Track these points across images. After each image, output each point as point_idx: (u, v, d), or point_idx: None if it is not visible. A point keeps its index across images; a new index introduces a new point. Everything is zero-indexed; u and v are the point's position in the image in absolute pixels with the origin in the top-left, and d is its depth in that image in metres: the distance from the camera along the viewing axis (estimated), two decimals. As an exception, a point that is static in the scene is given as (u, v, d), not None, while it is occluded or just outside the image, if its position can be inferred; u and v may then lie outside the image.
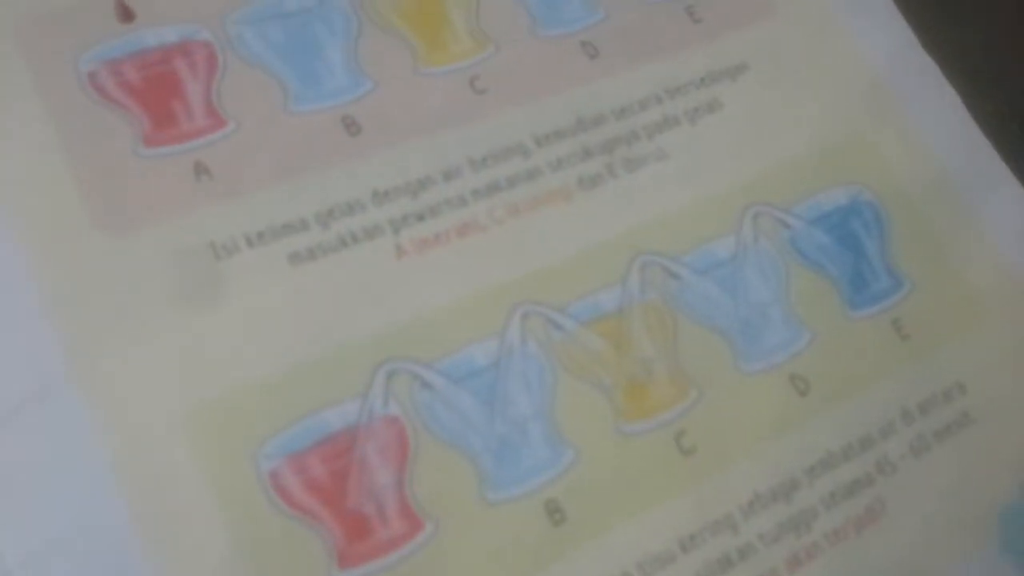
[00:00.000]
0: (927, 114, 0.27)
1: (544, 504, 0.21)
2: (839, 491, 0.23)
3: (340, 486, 0.20)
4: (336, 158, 0.23)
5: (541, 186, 0.24)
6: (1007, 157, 0.28)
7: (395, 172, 0.23)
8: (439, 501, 0.21)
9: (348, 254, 0.22)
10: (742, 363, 0.24)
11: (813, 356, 0.24)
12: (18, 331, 0.20)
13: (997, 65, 0.29)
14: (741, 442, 0.23)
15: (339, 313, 0.22)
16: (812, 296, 0.25)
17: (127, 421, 0.19)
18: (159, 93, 0.22)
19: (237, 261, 0.21)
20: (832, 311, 0.25)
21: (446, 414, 0.21)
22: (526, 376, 0.22)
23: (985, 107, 0.28)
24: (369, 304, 0.22)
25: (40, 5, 0.23)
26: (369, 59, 0.24)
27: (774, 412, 0.23)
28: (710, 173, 0.26)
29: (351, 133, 0.23)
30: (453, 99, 0.25)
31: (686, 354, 0.23)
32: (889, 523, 0.23)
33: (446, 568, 0.20)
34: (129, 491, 0.19)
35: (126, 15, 0.23)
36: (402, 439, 0.21)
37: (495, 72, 0.25)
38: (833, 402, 0.24)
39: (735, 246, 0.25)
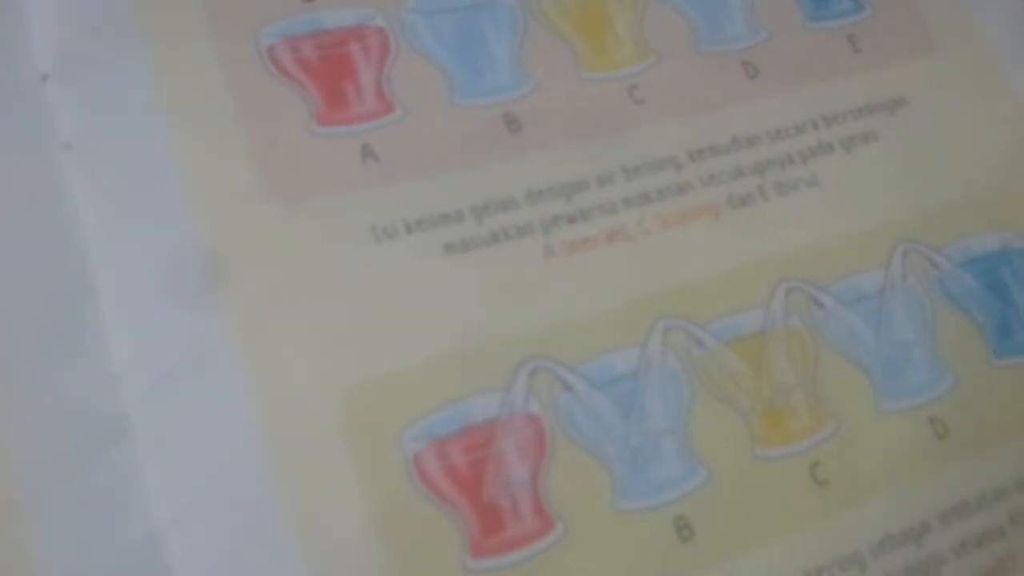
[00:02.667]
0: None
1: (673, 519, 0.21)
2: (970, 540, 0.23)
3: (478, 477, 0.20)
4: (495, 154, 0.23)
5: (691, 200, 0.24)
6: None
7: (550, 173, 0.23)
8: (571, 503, 0.21)
9: (500, 249, 0.22)
10: (882, 400, 0.23)
11: (954, 401, 0.24)
12: (190, 294, 0.20)
13: None
14: (875, 480, 0.23)
15: (487, 307, 0.22)
16: (957, 340, 0.24)
17: (283, 391, 0.20)
18: (334, 73, 0.23)
19: (396, 245, 0.22)
20: (977, 357, 0.24)
21: (584, 417, 0.21)
22: (664, 389, 0.22)
23: None
24: (516, 301, 0.22)
25: None
26: (533, 59, 0.25)
27: (911, 453, 0.23)
28: (862, 204, 0.25)
29: (511, 130, 0.24)
30: (612, 106, 0.25)
31: (826, 385, 0.23)
32: None
33: (573, 570, 0.20)
34: (277, 458, 0.19)
35: (307, -6, 0.24)
36: (540, 437, 0.21)
37: (655, 83, 0.25)
38: (971, 449, 0.23)
39: (883, 281, 0.24)
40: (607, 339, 0.22)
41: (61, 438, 0.19)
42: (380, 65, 0.23)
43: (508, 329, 0.22)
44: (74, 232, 0.20)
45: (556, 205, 0.23)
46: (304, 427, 0.20)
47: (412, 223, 0.22)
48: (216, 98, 0.22)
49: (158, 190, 0.21)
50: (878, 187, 0.25)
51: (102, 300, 0.20)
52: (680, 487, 0.21)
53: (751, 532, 0.21)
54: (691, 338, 0.23)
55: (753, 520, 0.22)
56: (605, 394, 0.22)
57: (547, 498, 0.21)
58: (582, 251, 0.23)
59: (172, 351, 0.20)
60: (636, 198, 0.24)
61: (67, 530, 0.18)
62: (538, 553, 0.20)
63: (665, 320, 0.23)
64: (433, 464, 0.20)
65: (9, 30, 0.21)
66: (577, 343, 0.22)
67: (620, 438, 0.21)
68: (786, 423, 0.22)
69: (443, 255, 0.22)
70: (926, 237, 0.25)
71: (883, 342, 0.24)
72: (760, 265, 0.24)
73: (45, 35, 0.22)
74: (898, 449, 0.23)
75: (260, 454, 0.19)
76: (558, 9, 0.25)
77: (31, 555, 0.18)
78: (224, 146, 0.21)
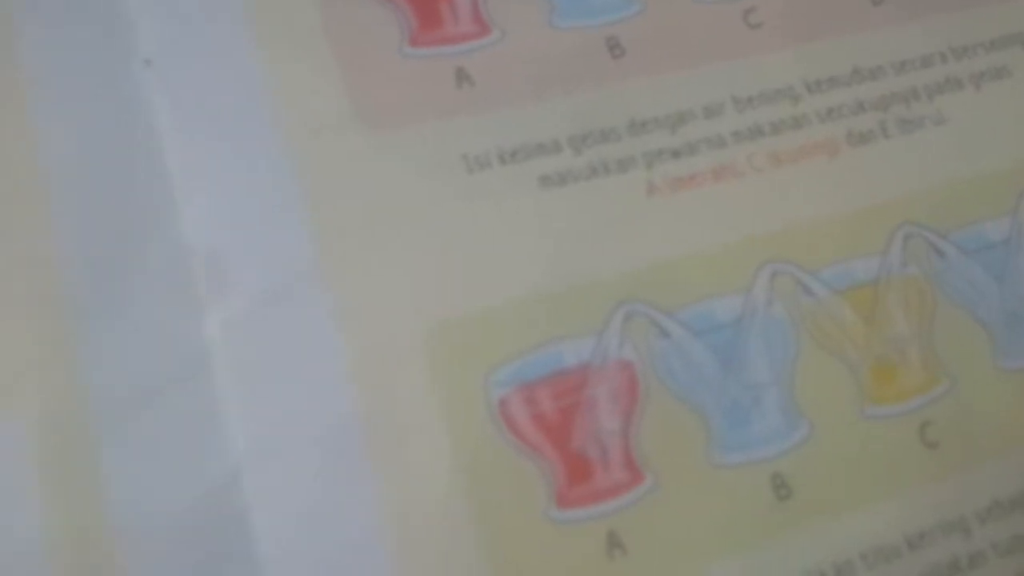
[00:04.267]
0: None
1: (771, 476, 0.20)
2: None
3: (567, 424, 0.19)
4: (596, 80, 0.22)
5: (807, 136, 0.23)
6: None
7: (655, 102, 0.22)
8: (663, 455, 0.20)
9: (599, 183, 0.21)
10: (1002, 358, 0.22)
11: (1082, 361, 0.22)
12: (276, 221, 0.19)
13: None
14: (989, 443, 0.21)
15: (583, 244, 0.21)
16: (1091, 296, 0.22)
17: (370, 325, 0.19)
18: (428, -10, 0.22)
19: (488, 176, 0.21)
20: (1109, 314, 0.22)
21: (681, 366, 0.20)
22: (768, 339, 0.21)
23: None
24: (614, 239, 0.21)
25: None
26: (641, -20, 0.23)
27: (1031, 416, 0.21)
28: (990, 147, 0.23)
29: (614, 56, 0.22)
30: (724, 31, 0.23)
31: (942, 339, 0.22)
32: None
33: (662, 523, 0.19)
34: (363, 395, 0.19)
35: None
36: (633, 385, 0.20)
37: (772, 7, 0.23)
38: (1099, 416, 0.22)
39: (1009, 230, 0.23)
40: (710, 284, 0.21)
41: (139, 367, 0.18)
42: (477, -15, 0.22)
43: (605, 269, 0.21)
44: (156, 145, 0.20)
45: (660, 137, 0.22)
46: (391, 365, 0.19)
47: (506, 153, 0.21)
48: (305, 16, 0.21)
49: (244, 111, 0.20)
50: (1009, 128, 0.24)
51: (186, 226, 0.19)
52: (780, 443, 0.20)
53: (852, 494, 0.20)
54: (800, 285, 0.21)
55: (854, 481, 0.20)
56: (704, 341, 0.21)
57: (639, 449, 0.20)
58: (687, 188, 0.22)
59: (257, 279, 0.19)
60: (747, 132, 0.22)
61: (141, 464, 0.18)
62: (626, 506, 0.19)
63: (773, 265, 0.21)
64: (519, 409, 0.19)
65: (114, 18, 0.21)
66: (677, 287, 0.21)
67: (719, 389, 0.20)
68: (897, 379, 0.21)
69: (538, 188, 0.21)
70: (1063, 183, 0.23)
71: (1007, 296, 0.22)
72: (878, 209, 0.22)
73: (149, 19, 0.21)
74: (1015, 411, 0.21)
75: (344, 391, 0.19)
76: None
77: (104, 489, 0.17)
78: (312, 65, 0.21)
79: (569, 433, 0.20)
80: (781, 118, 0.23)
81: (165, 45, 0.20)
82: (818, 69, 0.23)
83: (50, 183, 0.19)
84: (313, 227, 0.20)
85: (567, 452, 0.19)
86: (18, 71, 0.20)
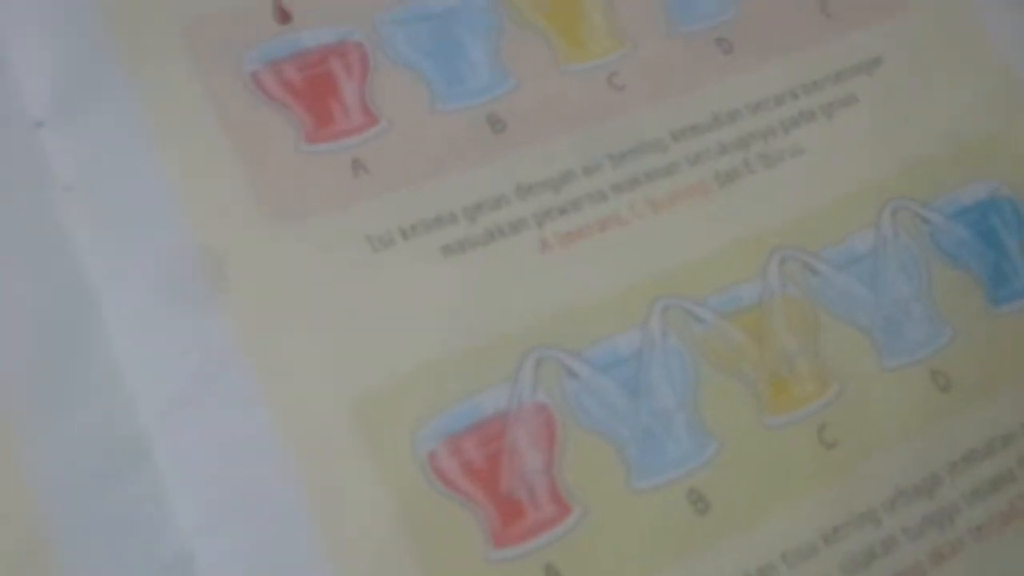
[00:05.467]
0: None
1: (687, 493, 0.22)
2: (982, 487, 0.23)
3: (494, 470, 0.21)
4: (482, 154, 0.24)
5: (679, 181, 0.25)
6: None
7: (538, 167, 0.24)
8: (586, 487, 0.21)
9: (495, 247, 0.23)
10: (884, 359, 0.24)
11: (955, 352, 0.24)
12: (196, 313, 0.21)
13: None
14: (883, 437, 0.23)
15: (488, 303, 0.22)
16: (954, 292, 0.25)
17: (295, 399, 0.20)
18: (318, 92, 0.23)
19: (393, 252, 0.22)
20: (974, 307, 0.25)
21: (592, 402, 0.22)
22: (668, 368, 0.23)
23: None
24: (516, 295, 0.23)
25: (207, 5, 0.23)
26: (511, 57, 0.25)
27: (916, 408, 0.23)
28: (847, 167, 0.26)
29: (495, 130, 0.24)
30: (593, 96, 0.25)
31: (828, 349, 0.24)
32: None
33: (593, 551, 0.21)
34: (296, 466, 0.20)
35: (283, 17, 0.24)
36: (551, 425, 0.22)
37: (633, 69, 0.26)
38: (975, 398, 0.24)
39: (874, 241, 0.25)
40: (608, 323, 0.23)
41: (83, 464, 0.19)
42: (362, 79, 0.24)
43: (510, 322, 0.22)
44: (77, 263, 0.21)
45: (547, 198, 0.24)
46: (320, 433, 0.20)
47: (407, 229, 0.23)
48: (205, 126, 0.22)
49: (156, 217, 0.22)
50: (863, 149, 0.26)
51: (109, 325, 0.20)
52: (692, 461, 0.22)
53: (765, 500, 0.22)
54: (690, 315, 0.23)
55: (766, 487, 0.22)
56: (610, 376, 0.22)
57: (563, 484, 0.21)
58: (577, 241, 0.23)
59: (183, 368, 0.20)
60: (625, 183, 0.24)
61: (95, 554, 0.19)
62: (558, 538, 0.21)
63: (664, 299, 0.23)
64: (448, 462, 0.21)
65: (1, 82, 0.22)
66: (579, 330, 0.22)
67: (629, 419, 0.22)
68: (791, 390, 0.23)
69: (441, 257, 0.22)
70: (914, 192, 0.26)
71: (881, 301, 0.24)
72: (752, 238, 0.24)
73: (35, 83, 0.22)
74: (902, 405, 0.23)
75: (279, 462, 0.20)
76: (531, 3, 0.26)
77: None
78: (217, 170, 0.22)
79: (497, 477, 0.21)
80: (654, 167, 0.25)
81: (82, 171, 0.22)
82: (681, 119, 0.25)
83: None
84: (231, 314, 0.21)
85: (497, 495, 0.21)
86: None
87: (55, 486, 0.19)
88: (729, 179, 0.25)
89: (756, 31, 0.27)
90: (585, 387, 0.22)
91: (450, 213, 0.23)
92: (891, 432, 0.23)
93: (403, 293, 0.22)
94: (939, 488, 0.23)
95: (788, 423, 0.23)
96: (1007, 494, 0.23)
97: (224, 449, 0.20)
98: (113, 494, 0.19)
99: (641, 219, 0.24)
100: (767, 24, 0.27)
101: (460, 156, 0.24)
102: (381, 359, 0.21)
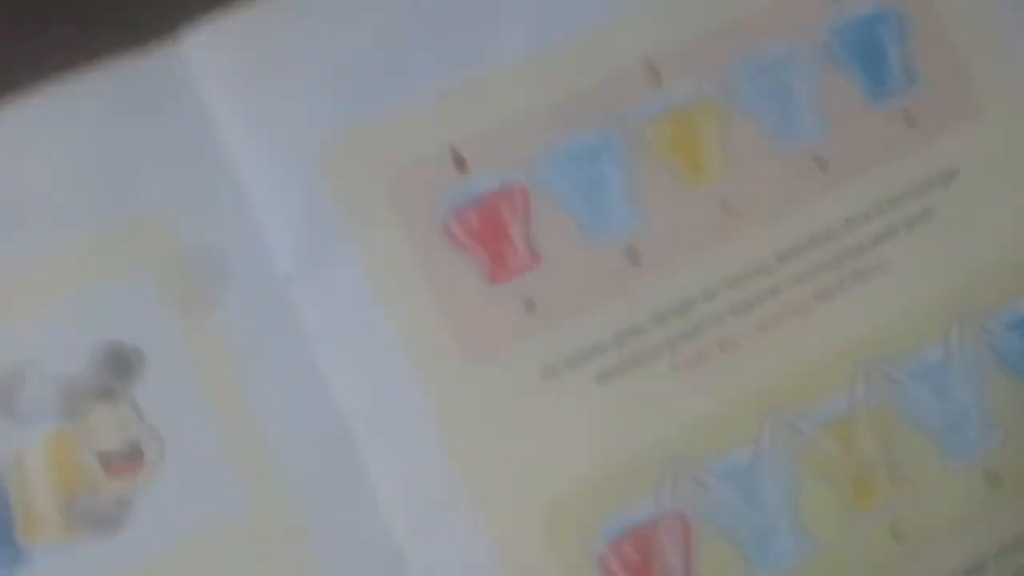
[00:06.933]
0: None
1: None
2: (1021, 571, 0.29)
3: (648, 568, 0.26)
4: (623, 286, 0.28)
5: (782, 301, 0.29)
6: None
7: (669, 295, 0.28)
8: (715, 581, 0.27)
9: (637, 372, 0.28)
10: (945, 460, 0.29)
11: (1005, 453, 0.29)
12: (422, 445, 0.26)
13: None
14: (943, 529, 0.28)
15: (633, 424, 0.27)
16: (1007, 396, 0.30)
17: (501, 514, 0.26)
18: (494, 236, 0.27)
19: (559, 381, 0.27)
20: (1022, 411, 0.30)
21: (717, 508, 0.27)
22: (776, 475, 0.28)
23: None
24: (655, 415, 0.28)
25: (404, 158, 0.27)
26: (644, 189, 0.29)
27: (970, 503, 0.29)
28: (924, 282, 0.30)
29: (633, 262, 0.28)
30: (710, 223, 0.29)
31: (900, 451, 0.29)
32: None
33: None
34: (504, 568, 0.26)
35: (461, 164, 0.28)
36: (687, 528, 0.27)
37: (742, 193, 0.29)
38: (1021, 493, 0.29)
39: (944, 352, 0.29)
40: (727, 438, 0.28)
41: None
42: (526, 220, 0.28)
43: (651, 440, 0.27)
44: (330, 401, 0.26)
45: (676, 324, 0.28)
46: (520, 538, 0.26)
47: (569, 360, 0.27)
48: (411, 274, 0.27)
49: (385, 360, 0.27)
50: (937, 262, 0.30)
51: (366, 457, 0.26)
52: (793, 558, 0.27)
53: None
54: (793, 428, 0.28)
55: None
56: (732, 485, 0.27)
57: (697, 577, 0.27)
58: (701, 363, 0.28)
59: (422, 492, 0.26)
60: (740, 306, 0.28)
61: None
62: None
63: (771, 416, 0.28)
64: (613, 561, 0.27)
65: (255, 242, 0.26)
66: (704, 445, 0.28)
67: (747, 521, 0.27)
68: (872, 490, 0.28)
69: (596, 385, 0.27)
70: (980, 303, 0.30)
71: (947, 408, 0.29)
72: (843, 352, 0.29)
73: (282, 242, 0.27)
74: (960, 501, 0.29)
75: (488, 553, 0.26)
76: (657, 135, 0.29)
77: None
78: (422, 314, 0.27)
79: (650, 574, 0.27)
80: (762, 289, 0.29)
81: (324, 318, 0.27)
82: (784, 241, 0.29)
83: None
84: (452, 446, 0.26)
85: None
86: None
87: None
88: (825, 297, 0.29)
89: (849, 145, 0.30)
90: (712, 495, 0.27)
91: (601, 343, 0.27)
92: (950, 524, 0.28)
93: (568, 417, 0.27)
94: (985, 573, 0.29)
95: (868, 520, 0.28)
96: None
97: (457, 557, 0.26)
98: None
99: (752, 340, 0.28)
100: (859, 137, 0.30)
101: (606, 289, 0.28)
102: (556, 474, 0.26)
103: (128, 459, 0.25)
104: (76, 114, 0.26)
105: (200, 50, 0.26)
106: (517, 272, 0.27)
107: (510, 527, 0.26)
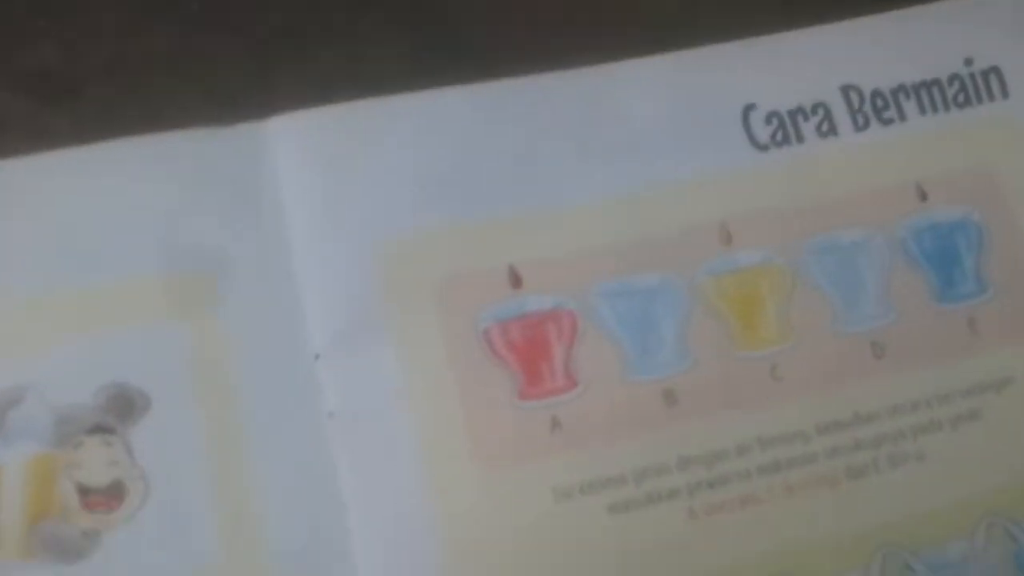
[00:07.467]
0: None
1: None
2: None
3: None
4: (654, 425, 0.29)
5: (815, 470, 0.29)
6: None
7: (698, 443, 0.29)
8: None
9: (651, 509, 0.29)
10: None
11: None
12: (421, 556, 0.27)
13: None
14: None
15: (640, 561, 0.28)
16: (1027, 609, 0.29)
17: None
18: (534, 353, 0.29)
19: (570, 505, 0.28)
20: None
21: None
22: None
23: None
24: (660, 557, 0.28)
25: (459, 265, 0.29)
26: (694, 338, 0.30)
27: None
28: (959, 479, 0.30)
29: (668, 403, 0.30)
30: (756, 384, 0.30)
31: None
32: None
33: None
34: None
35: (516, 281, 0.30)
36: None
37: (793, 362, 0.30)
38: None
39: (967, 551, 0.29)
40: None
41: None
42: (570, 344, 0.30)
43: None
44: (336, 482, 0.27)
45: (701, 471, 0.29)
46: None
47: (585, 485, 0.28)
48: (443, 375, 0.28)
49: (398, 453, 0.28)
50: (976, 463, 0.30)
51: (357, 548, 0.27)
52: None
53: None
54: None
55: None
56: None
57: None
58: (719, 513, 0.29)
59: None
60: (769, 466, 0.29)
61: None
62: None
63: (780, 577, 0.29)
64: None
65: (293, 316, 0.28)
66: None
67: None
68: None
69: (606, 515, 0.28)
70: (1010, 507, 0.30)
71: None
72: (866, 532, 0.29)
73: (319, 321, 0.28)
74: None
75: None
76: (717, 290, 0.31)
77: None
78: (446, 417, 0.28)
79: None
80: (796, 455, 0.30)
81: (345, 401, 0.28)
82: (826, 414, 0.30)
83: None
84: (441, 542, 0.27)
85: None
86: None
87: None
88: (858, 474, 0.30)
89: (909, 339, 0.31)
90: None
91: (620, 475, 0.29)
92: None
93: (573, 544, 0.28)
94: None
95: None
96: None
97: None
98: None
99: (776, 500, 0.29)
100: (920, 334, 0.31)
101: (636, 423, 0.29)
102: None
103: (108, 495, 0.26)
104: (149, 168, 0.28)
105: (284, 133, 0.29)
106: (551, 393, 0.29)
107: None
